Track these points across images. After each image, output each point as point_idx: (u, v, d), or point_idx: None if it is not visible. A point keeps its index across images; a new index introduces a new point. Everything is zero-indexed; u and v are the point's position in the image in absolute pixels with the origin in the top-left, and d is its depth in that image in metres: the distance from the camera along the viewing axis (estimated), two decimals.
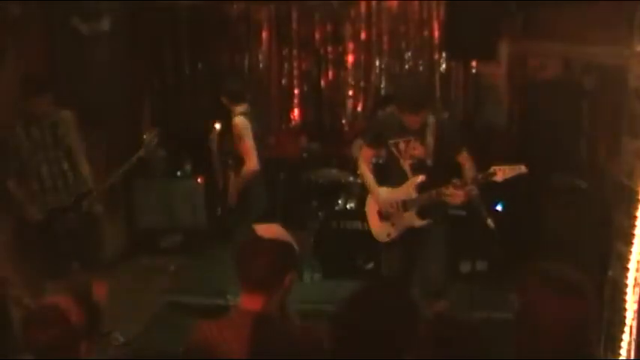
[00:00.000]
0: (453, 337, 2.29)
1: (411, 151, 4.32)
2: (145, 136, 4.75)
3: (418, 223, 4.34)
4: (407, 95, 4.21)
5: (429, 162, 4.30)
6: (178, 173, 6.95)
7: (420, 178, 4.30)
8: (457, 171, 4.34)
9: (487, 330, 2.42)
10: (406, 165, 4.35)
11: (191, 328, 2.47)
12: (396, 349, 2.07)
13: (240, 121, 4.74)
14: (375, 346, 2.07)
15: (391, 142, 4.34)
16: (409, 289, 4.32)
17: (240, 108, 4.86)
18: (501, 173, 4.02)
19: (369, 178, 4.53)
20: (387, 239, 4.47)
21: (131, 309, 5.27)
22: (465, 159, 4.33)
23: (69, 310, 2.41)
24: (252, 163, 4.74)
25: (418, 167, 4.33)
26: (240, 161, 4.87)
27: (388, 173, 4.53)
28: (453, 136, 4.38)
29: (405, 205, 4.35)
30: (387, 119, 4.56)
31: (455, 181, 4.17)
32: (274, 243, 2.44)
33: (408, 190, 4.34)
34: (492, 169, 4.05)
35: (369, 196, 4.60)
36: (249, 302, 2.40)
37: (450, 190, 4.14)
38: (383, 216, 4.47)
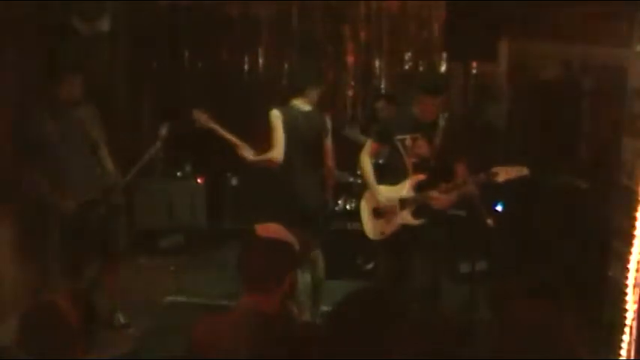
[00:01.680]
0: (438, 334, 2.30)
1: (417, 149, 4.33)
2: (159, 130, 4.84)
3: (412, 221, 4.35)
4: (429, 78, 4.26)
5: (433, 162, 4.31)
6: (178, 173, 6.94)
7: (420, 177, 4.31)
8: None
9: (487, 330, 2.43)
10: (409, 163, 4.35)
11: (193, 324, 2.47)
12: (385, 349, 2.08)
13: (272, 112, 4.74)
14: (365, 345, 2.08)
15: (398, 137, 4.36)
16: (400, 289, 4.35)
17: (294, 100, 4.81)
18: (503, 174, 4.03)
19: (370, 174, 4.53)
20: (379, 237, 4.48)
21: (131, 309, 5.27)
22: (461, 167, 4.34)
23: (66, 310, 2.41)
24: (275, 152, 4.66)
25: (421, 166, 4.33)
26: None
27: (389, 170, 4.54)
28: (459, 142, 4.39)
29: (402, 203, 4.35)
30: (399, 112, 4.58)
31: (442, 185, 4.20)
32: (275, 243, 2.44)
33: (406, 188, 4.34)
34: (495, 169, 4.06)
35: (365, 192, 4.61)
36: (251, 301, 2.40)
37: (434, 194, 4.18)
38: (378, 213, 4.48)
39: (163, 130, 4.84)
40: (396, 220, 4.39)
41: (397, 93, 6.70)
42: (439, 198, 4.19)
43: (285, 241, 2.49)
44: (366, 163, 4.55)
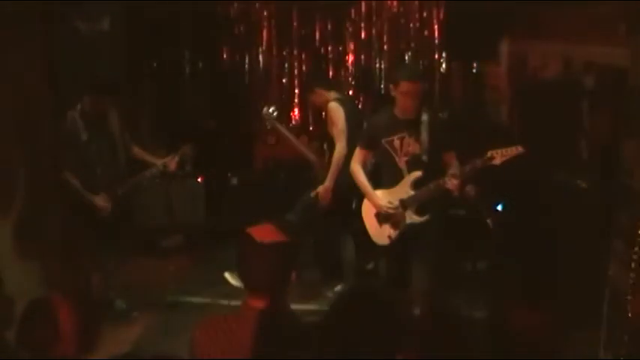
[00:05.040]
0: (442, 334, 2.30)
1: (406, 147, 4.30)
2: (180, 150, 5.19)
3: (417, 219, 4.33)
4: (406, 65, 4.29)
5: (425, 158, 4.28)
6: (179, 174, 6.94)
7: (418, 174, 4.28)
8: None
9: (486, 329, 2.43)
10: (402, 162, 4.33)
11: (195, 328, 2.46)
12: (387, 350, 2.08)
13: (334, 105, 5.02)
14: (367, 345, 2.08)
15: (385, 140, 4.33)
16: (404, 289, 4.34)
17: (334, 94, 5.15)
18: (499, 156, 4.03)
19: (364, 181, 4.49)
20: (387, 241, 4.44)
21: (131, 309, 5.28)
22: (450, 158, 4.32)
23: (61, 310, 2.40)
24: (339, 146, 4.97)
25: (414, 164, 4.31)
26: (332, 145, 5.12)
27: (383, 173, 4.52)
28: (444, 134, 4.37)
29: (404, 203, 4.33)
30: (381, 116, 4.55)
31: (451, 172, 4.18)
32: (274, 247, 2.43)
33: (404, 188, 4.33)
34: (490, 153, 4.05)
35: (365, 200, 4.57)
36: (256, 301, 2.41)
37: (447, 180, 4.15)
38: (381, 218, 4.44)
39: (184, 152, 5.20)
40: (401, 222, 4.35)
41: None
42: (453, 182, 4.15)
43: (284, 242, 2.47)
44: (358, 171, 4.51)
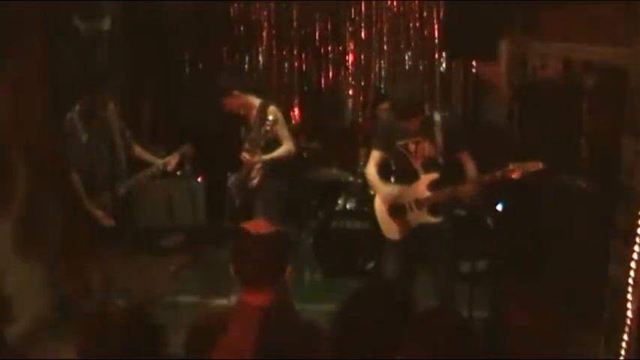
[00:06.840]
0: (446, 333, 2.30)
1: (421, 151, 4.36)
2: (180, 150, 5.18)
3: (432, 219, 4.38)
4: (399, 102, 4.34)
5: (440, 160, 4.34)
6: (178, 173, 6.94)
7: (434, 176, 4.34)
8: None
9: (486, 329, 2.43)
10: (417, 164, 4.39)
11: (195, 321, 2.46)
12: (390, 348, 2.08)
13: (275, 110, 4.98)
14: (370, 343, 2.08)
15: (400, 143, 4.38)
16: (408, 287, 4.35)
17: (254, 97, 5.07)
18: (519, 170, 4.09)
19: (378, 182, 4.53)
20: (397, 237, 4.48)
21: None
22: (466, 158, 4.37)
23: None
24: (291, 145, 5.01)
25: (430, 166, 4.37)
26: (274, 146, 5.03)
27: (398, 174, 4.56)
28: (457, 134, 4.42)
29: (418, 203, 4.37)
30: (391, 122, 4.59)
31: (471, 177, 4.23)
32: (267, 239, 2.43)
33: (420, 188, 4.37)
34: (511, 166, 4.11)
35: (377, 196, 4.60)
36: (252, 298, 2.40)
37: (466, 187, 4.20)
38: (393, 213, 4.48)
39: (185, 151, 5.19)
40: (414, 220, 4.41)
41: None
42: (471, 190, 4.21)
43: (276, 234, 2.47)
44: (373, 173, 4.54)
